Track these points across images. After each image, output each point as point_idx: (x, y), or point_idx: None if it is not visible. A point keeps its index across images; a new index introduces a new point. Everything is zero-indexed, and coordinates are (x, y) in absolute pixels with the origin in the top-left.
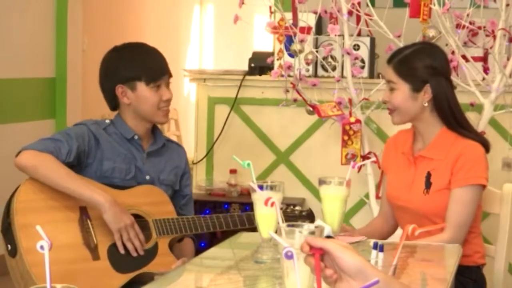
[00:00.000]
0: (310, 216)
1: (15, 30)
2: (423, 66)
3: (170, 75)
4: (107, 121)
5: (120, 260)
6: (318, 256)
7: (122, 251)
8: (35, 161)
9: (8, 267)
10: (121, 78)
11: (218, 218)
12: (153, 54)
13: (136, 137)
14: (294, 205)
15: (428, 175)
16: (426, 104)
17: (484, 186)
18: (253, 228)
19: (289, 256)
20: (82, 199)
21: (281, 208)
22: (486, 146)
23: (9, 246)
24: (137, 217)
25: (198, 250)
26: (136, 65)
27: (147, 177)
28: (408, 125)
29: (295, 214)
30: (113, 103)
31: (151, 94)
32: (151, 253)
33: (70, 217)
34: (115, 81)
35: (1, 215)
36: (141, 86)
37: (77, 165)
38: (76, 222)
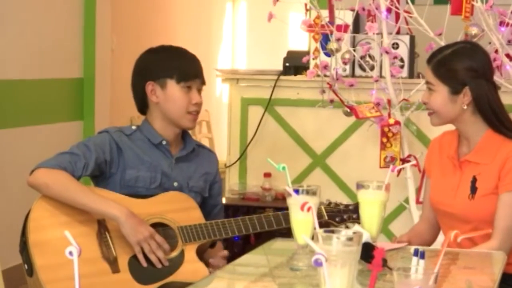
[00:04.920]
0: (357, 210)
1: (42, 29)
2: (462, 68)
3: (203, 82)
4: (133, 127)
5: (142, 271)
6: None
7: (144, 264)
8: (47, 179)
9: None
10: (152, 75)
11: (251, 219)
12: (188, 56)
13: (164, 142)
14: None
15: (474, 180)
16: (465, 107)
17: None
18: (289, 229)
19: (319, 263)
20: (97, 214)
21: (323, 203)
22: None
23: (26, 265)
24: (162, 226)
25: (231, 257)
26: (168, 63)
27: (175, 184)
28: (451, 126)
29: (340, 209)
30: (142, 103)
31: (181, 95)
32: (177, 262)
33: (88, 231)
34: (146, 78)
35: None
36: (172, 85)
37: (100, 175)
38: (94, 236)
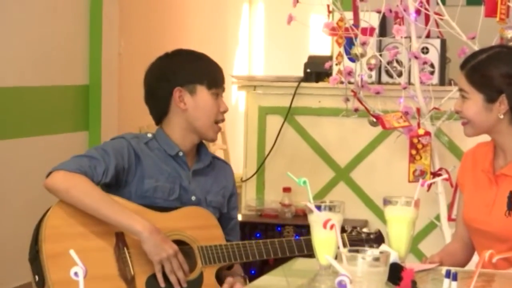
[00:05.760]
0: (379, 240)
1: (46, 33)
2: (498, 74)
3: (224, 90)
4: (149, 135)
5: None
6: None
7: (162, 284)
8: (67, 183)
9: None
10: (180, 80)
11: (272, 243)
12: (212, 61)
13: (180, 153)
14: (360, 227)
15: (510, 195)
16: (502, 116)
17: None
18: (312, 255)
19: (343, 286)
20: (119, 227)
21: (345, 231)
22: None
23: (36, 277)
24: (181, 243)
25: (249, 278)
26: (197, 68)
27: (193, 198)
28: (485, 136)
29: (362, 238)
30: (163, 111)
31: (211, 101)
32: (195, 285)
33: (105, 245)
34: (173, 84)
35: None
36: (202, 90)
37: (115, 184)
38: (111, 250)
